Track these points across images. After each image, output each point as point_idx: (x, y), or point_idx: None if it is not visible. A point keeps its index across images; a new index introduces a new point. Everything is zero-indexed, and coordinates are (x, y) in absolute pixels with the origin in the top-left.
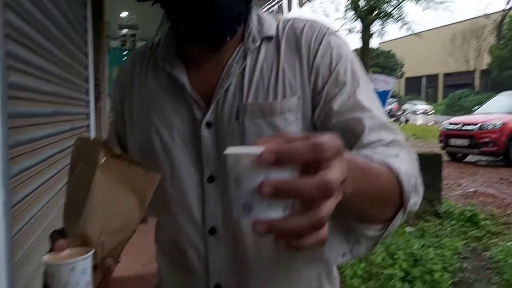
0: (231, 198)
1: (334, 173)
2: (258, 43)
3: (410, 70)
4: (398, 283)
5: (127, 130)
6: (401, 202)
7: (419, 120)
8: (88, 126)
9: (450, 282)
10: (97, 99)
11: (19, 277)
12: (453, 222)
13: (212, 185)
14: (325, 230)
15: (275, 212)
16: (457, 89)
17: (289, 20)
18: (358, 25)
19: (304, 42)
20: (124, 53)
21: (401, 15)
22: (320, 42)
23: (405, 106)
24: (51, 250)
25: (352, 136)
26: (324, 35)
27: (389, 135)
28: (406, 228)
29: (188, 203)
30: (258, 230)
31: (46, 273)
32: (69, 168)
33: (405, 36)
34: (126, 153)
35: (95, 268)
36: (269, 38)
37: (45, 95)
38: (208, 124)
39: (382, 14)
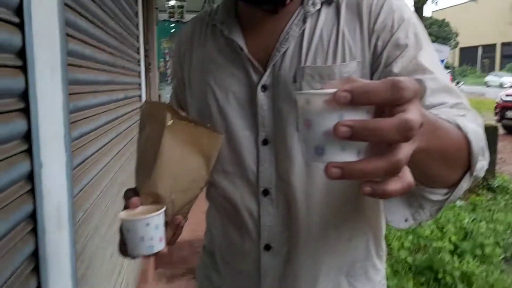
0: (302, 141)
1: (414, 114)
2: (318, 7)
3: (465, 39)
4: (447, 256)
5: (186, 93)
6: (468, 165)
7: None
8: (139, 96)
9: (501, 257)
10: (147, 70)
11: (80, 235)
12: (507, 197)
13: (266, 147)
14: (409, 175)
15: (348, 156)
16: None
17: None
18: None
19: (365, 6)
20: (172, 25)
21: None
22: (382, 6)
23: (488, 78)
24: (126, 207)
25: None
26: None
27: (453, 98)
28: (457, 202)
29: (243, 165)
30: (331, 173)
31: (123, 228)
32: (138, 129)
33: (461, 4)
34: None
35: (166, 224)
36: (329, 2)
37: (101, 64)
38: (264, 87)
39: None
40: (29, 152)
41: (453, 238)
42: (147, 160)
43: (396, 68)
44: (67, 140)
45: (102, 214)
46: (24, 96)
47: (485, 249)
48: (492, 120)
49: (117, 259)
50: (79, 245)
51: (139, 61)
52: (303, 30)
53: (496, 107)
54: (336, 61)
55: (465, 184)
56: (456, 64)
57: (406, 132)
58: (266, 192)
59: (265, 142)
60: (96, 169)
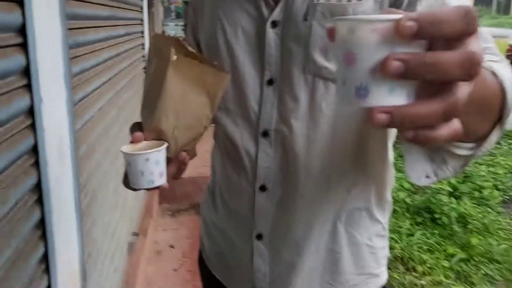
0: (339, 79)
1: (478, 48)
2: None
3: None
4: (444, 197)
5: (198, 24)
6: (499, 116)
7: None
8: (142, 32)
9: (499, 199)
10: (150, 5)
11: (83, 169)
12: (510, 141)
13: (270, 87)
14: (457, 121)
15: (397, 99)
16: None
17: None
18: None
19: None
20: None
21: None
22: None
23: None
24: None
25: None
26: None
27: (482, 42)
28: None
29: (245, 104)
30: (377, 120)
31: (125, 160)
32: (146, 62)
33: None
34: (198, 52)
35: (170, 160)
36: None
37: None
38: (274, 24)
39: None
40: (28, 87)
41: (452, 180)
42: (152, 95)
43: (420, 7)
44: (67, 75)
45: (104, 149)
46: (22, 30)
47: (483, 192)
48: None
49: (120, 193)
50: (82, 179)
51: None
52: None
53: (508, 50)
54: None
55: (494, 137)
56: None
57: (471, 68)
58: (265, 134)
59: (270, 82)
60: (98, 105)
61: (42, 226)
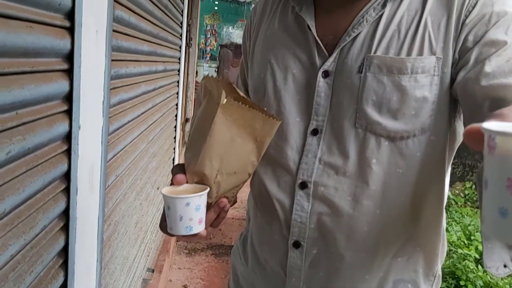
0: (493, 206)
1: None
2: None
3: None
4: (471, 264)
5: (248, 67)
6: None
7: None
8: (178, 70)
9: None
10: (188, 44)
11: (109, 199)
12: None
13: (315, 137)
14: None
15: None
16: None
17: None
18: None
19: None
20: (216, 3)
21: None
22: None
23: None
24: (172, 183)
25: (503, 104)
26: None
27: None
28: None
29: (286, 151)
30: None
31: (164, 203)
32: (195, 104)
33: None
34: (248, 97)
35: (209, 206)
36: None
37: (144, 33)
38: (326, 73)
39: None
40: (69, 112)
41: (480, 247)
42: (198, 137)
43: (489, 67)
44: (106, 105)
45: (131, 181)
46: (69, 57)
47: None
48: None
49: (141, 227)
50: (107, 209)
51: (181, 35)
52: (381, 15)
53: None
54: (412, 53)
55: None
56: None
57: None
58: (303, 185)
59: (314, 132)
60: (131, 137)
61: (64, 254)
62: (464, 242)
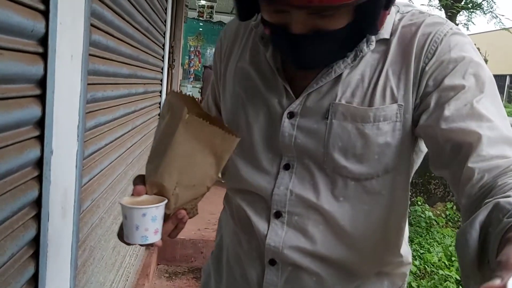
0: None
1: None
2: (372, 47)
3: (494, 67)
4: (452, 285)
5: (220, 92)
6: None
7: None
8: (160, 91)
9: None
10: (171, 66)
11: (84, 224)
12: None
13: (287, 172)
14: None
15: None
16: None
17: (406, 13)
18: (442, 14)
19: (417, 43)
20: (200, 24)
21: (491, 7)
22: (439, 44)
23: None
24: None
25: (463, 147)
26: (445, 35)
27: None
28: None
29: (260, 183)
30: None
31: (122, 212)
32: (160, 117)
33: (492, 31)
34: (210, 114)
35: (168, 217)
36: (383, 40)
37: (124, 56)
38: (291, 114)
39: (471, 4)
40: (40, 138)
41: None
42: (160, 150)
43: (448, 111)
44: (81, 129)
45: (108, 205)
46: (42, 82)
47: None
48: None
49: (120, 251)
50: (82, 234)
51: (163, 56)
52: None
53: None
54: (374, 103)
55: None
56: None
57: None
58: (278, 214)
59: (286, 166)
60: (108, 160)
61: (34, 282)
62: (445, 263)
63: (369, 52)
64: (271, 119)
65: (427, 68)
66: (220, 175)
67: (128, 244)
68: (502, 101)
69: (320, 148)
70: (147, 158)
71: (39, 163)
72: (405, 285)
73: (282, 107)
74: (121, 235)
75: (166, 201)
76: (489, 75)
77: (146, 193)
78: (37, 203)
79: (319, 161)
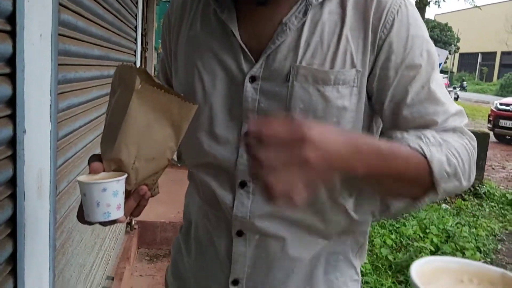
0: None
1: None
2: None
3: (466, 45)
4: (427, 256)
5: (172, 69)
6: (432, 186)
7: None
8: None
9: (481, 261)
10: (144, 49)
11: (62, 205)
12: (492, 203)
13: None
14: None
15: None
16: None
17: None
18: None
19: (373, 12)
20: None
21: None
22: (395, 15)
23: None
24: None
25: (420, 124)
26: (400, 7)
27: (454, 121)
28: (442, 205)
29: (223, 153)
30: None
31: (80, 190)
32: (109, 93)
33: (464, 9)
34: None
35: (129, 193)
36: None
37: (95, 38)
38: (253, 78)
39: None
40: (12, 117)
41: (435, 240)
42: (114, 125)
43: (409, 96)
44: (53, 110)
45: None
46: (11, 61)
47: (465, 253)
48: (485, 127)
49: (99, 234)
50: (59, 215)
51: (135, 39)
52: (303, 24)
53: (490, 115)
54: (334, 66)
55: (428, 199)
56: (455, 69)
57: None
58: (243, 184)
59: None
60: (83, 142)
61: (13, 261)
62: (419, 235)
63: (326, 11)
64: (231, 85)
65: (387, 40)
66: (176, 158)
67: (90, 223)
68: (474, 78)
69: (282, 111)
70: (101, 137)
71: (12, 143)
72: (367, 242)
73: (242, 71)
74: (81, 216)
75: (126, 175)
76: (434, 49)
77: (104, 171)
78: (12, 182)
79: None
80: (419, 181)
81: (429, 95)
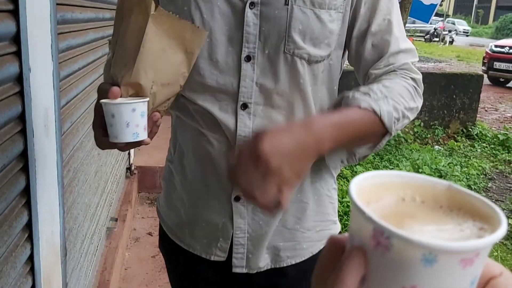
0: None
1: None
2: None
3: None
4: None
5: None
6: (386, 132)
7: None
8: None
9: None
10: None
11: (67, 145)
12: (484, 144)
13: (249, 63)
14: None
15: None
16: (510, 12)
17: None
18: None
19: None
20: None
21: None
22: None
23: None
24: (101, 97)
25: (376, 55)
26: None
27: (402, 58)
28: (435, 147)
29: (224, 78)
30: None
31: (107, 113)
32: (115, 18)
33: None
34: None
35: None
36: None
37: None
38: (252, 4)
39: None
40: (18, 55)
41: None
42: (128, 50)
43: (373, 27)
44: (54, 49)
45: (87, 131)
46: None
47: None
48: (480, 70)
49: (101, 177)
50: (65, 155)
51: None
52: None
53: (484, 57)
54: None
55: (385, 141)
56: (451, 12)
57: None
58: (245, 106)
59: (248, 58)
60: (83, 85)
61: (26, 195)
62: None
63: None
64: (230, 12)
65: None
66: (165, 108)
67: (116, 145)
68: (470, 22)
69: (282, 33)
70: (110, 64)
71: (19, 80)
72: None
73: None
74: (103, 141)
75: (148, 98)
76: None
77: (121, 96)
78: (21, 119)
79: (281, 46)
80: (375, 133)
81: (388, 28)
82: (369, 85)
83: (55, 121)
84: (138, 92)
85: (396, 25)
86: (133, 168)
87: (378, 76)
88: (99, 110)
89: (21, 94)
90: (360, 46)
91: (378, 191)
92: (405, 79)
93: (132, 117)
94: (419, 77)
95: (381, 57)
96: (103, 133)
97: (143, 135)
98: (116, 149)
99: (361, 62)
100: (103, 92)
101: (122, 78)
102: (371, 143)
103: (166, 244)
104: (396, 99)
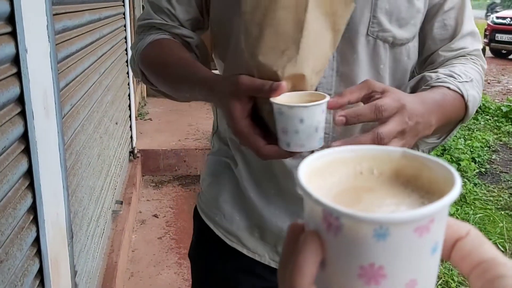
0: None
1: (387, 128)
2: None
3: None
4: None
5: None
6: (463, 118)
7: None
8: (123, 0)
9: (476, 171)
10: None
11: (68, 127)
12: (487, 117)
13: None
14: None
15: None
16: None
17: None
18: None
19: None
20: None
21: None
22: None
23: None
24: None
25: (447, 35)
26: None
27: (472, 43)
28: None
29: None
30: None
31: (290, 117)
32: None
33: None
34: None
35: None
36: None
37: None
38: None
39: None
40: (13, 35)
41: (432, 153)
42: (283, 34)
43: (448, 3)
44: (51, 30)
45: (88, 113)
46: None
47: (460, 163)
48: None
49: (104, 160)
50: (67, 137)
51: None
52: None
53: (486, 29)
54: None
55: (455, 131)
56: None
57: (377, 113)
58: None
59: None
60: (81, 67)
61: (29, 177)
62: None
63: None
64: None
65: None
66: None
67: (290, 155)
68: None
69: (367, 12)
70: (253, 48)
71: (16, 61)
72: None
73: None
74: (270, 150)
75: (328, 97)
76: None
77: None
78: (20, 100)
79: (365, 26)
80: (457, 119)
81: (462, 5)
82: (447, 67)
83: (55, 103)
84: (298, 84)
85: (468, 4)
86: (136, 151)
87: (448, 59)
88: (241, 112)
89: (18, 75)
90: (428, 24)
91: (334, 167)
92: (477, 66)
93: (320, 119)
94: (486, 66)
95: (453, 38)
96: (267, 141)
97: (322, 140)
98: (117, 132)
99: (426, 41)
100: (268, 86)
101: (283, 69)
102: (445, 132)
103: (212, 251)
104: (477, 85)
